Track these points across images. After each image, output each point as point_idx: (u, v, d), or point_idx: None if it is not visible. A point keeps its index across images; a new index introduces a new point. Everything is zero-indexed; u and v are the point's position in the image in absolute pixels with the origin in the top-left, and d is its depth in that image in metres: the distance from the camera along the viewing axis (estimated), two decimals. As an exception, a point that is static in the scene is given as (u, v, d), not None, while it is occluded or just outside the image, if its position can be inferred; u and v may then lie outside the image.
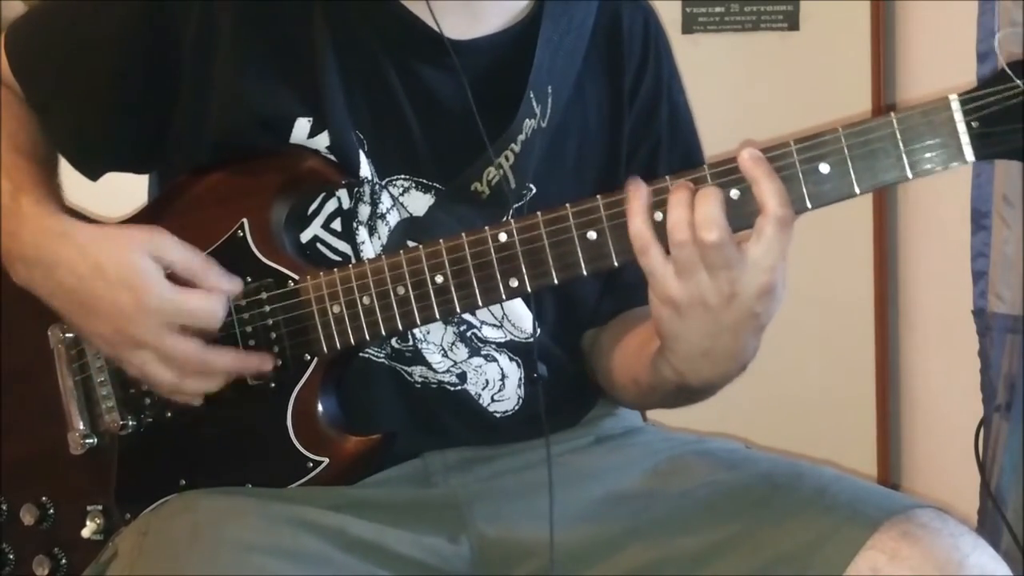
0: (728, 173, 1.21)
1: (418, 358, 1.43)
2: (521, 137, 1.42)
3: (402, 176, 1.42)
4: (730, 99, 2.48)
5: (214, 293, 1.36)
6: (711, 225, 1.18)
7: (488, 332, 1.45)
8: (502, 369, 1.47)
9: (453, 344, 1.44)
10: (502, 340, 1.46)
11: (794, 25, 2.52)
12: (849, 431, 2.58)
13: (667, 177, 1.23)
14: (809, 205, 1.21)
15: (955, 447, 2.46)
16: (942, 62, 2.50)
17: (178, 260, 1.35)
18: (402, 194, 1.42)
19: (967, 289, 2.36)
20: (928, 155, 1.18)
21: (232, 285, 1.37)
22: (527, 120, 1.42)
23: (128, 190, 1.58)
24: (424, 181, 1.43)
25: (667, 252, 1.21)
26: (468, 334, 1.45)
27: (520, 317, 1.46)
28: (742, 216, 1.20)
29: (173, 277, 1.35)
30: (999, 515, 2.27)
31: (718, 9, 2.52)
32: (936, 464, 2.61)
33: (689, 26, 2.51)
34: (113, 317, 1.33)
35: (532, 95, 1.42)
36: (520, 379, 1.48)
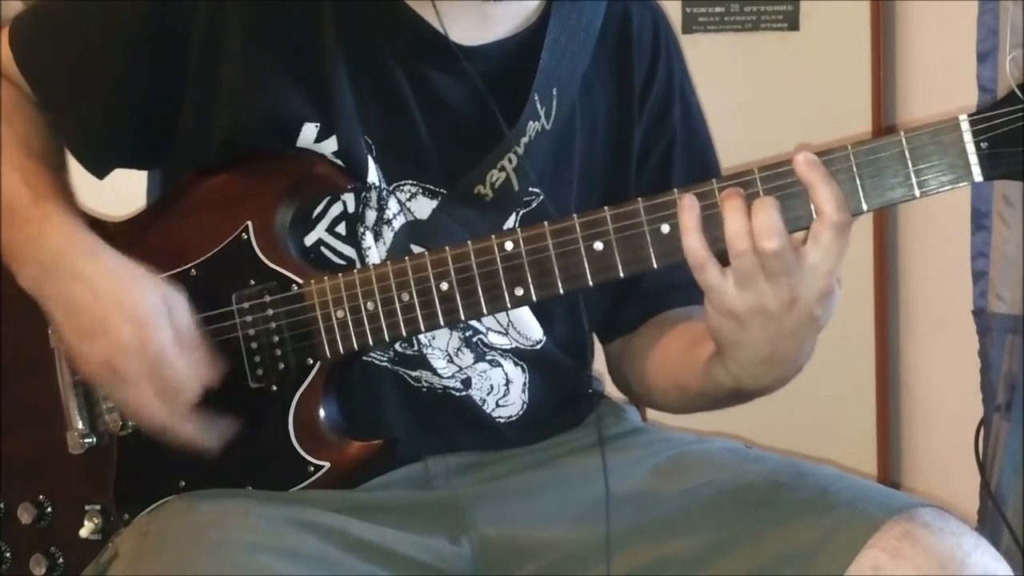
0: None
1: (422, 363, 1.43)
2: (525, 140, 1.42)
3: (410, 182, 1.42)
4: (730, 99, 2.48)
5: (201, 367, 1.35)
6: (772, 233, 1.17)
7: (494, 339, 1.45)
8: (507, 374, 1.46)
9: (459, 350, 1.44)
10: (508, 347, 1.46)
11: (794, 25, 2.52)
12: (849, 431, 2.57)
13: (713, 181, 1.22)
14: None
15: (955, 447, 2.46)
16: (942, 62, 2.49)
17: (183, 326, 1.34)
18: (409, 199, 1.42)
19: (967, 289, 2.36)
20: (936, 174, 1.18)
21: (214, 376, 1.36)
22: (531, 122, 1.42)
23: (128, 189, 1.58)
24: (431, 187, 1.42)
25: (723, 265, 1.21)
26: (474, 340, 1.44)
27: (526, 324, 1.46)
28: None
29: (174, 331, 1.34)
30: (999, 515, 2.27)
31: (718, 9, 2.52)
32: (936, 464, 2.61)
33: (689, 26, 2.51)
34: (108, 345, 1.32)
35: (536, 97, 1.42)
36: (525, 384, 1.48)
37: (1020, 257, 2.28)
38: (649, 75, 1.52)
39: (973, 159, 1.17)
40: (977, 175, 1.17)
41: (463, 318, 1.33)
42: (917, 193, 1.19)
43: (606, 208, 1.26)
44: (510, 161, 1.41)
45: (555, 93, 1.43)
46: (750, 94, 2.54)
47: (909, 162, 1.18)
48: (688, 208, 1.21)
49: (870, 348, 2.58)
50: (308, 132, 1.39)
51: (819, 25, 2.52)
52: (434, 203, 1.42)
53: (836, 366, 2.57)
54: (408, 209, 1.42)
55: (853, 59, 2.53)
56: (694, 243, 1.20)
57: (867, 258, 2.56)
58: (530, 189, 1.44)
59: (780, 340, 1.24)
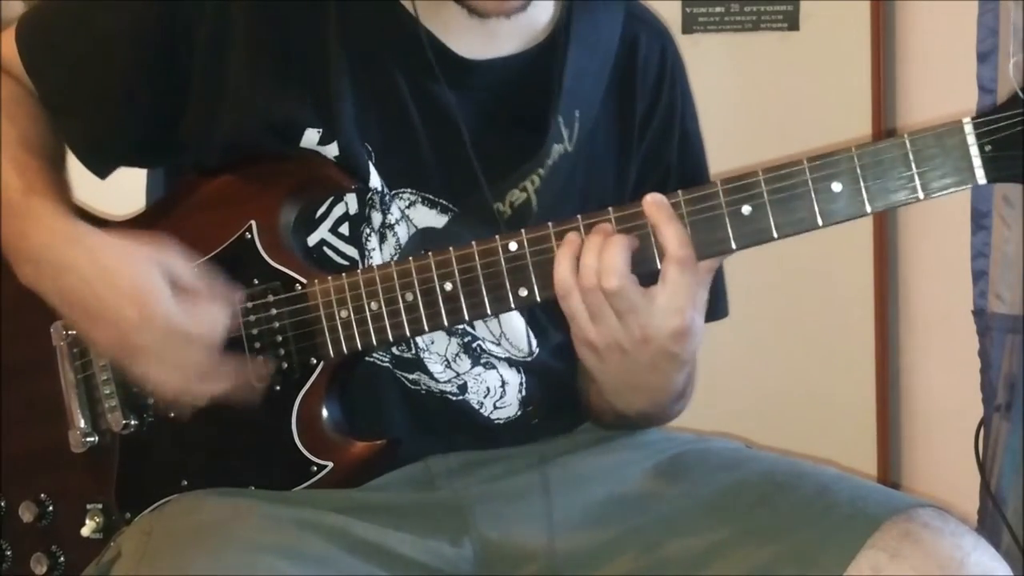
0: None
1: (419, 366, 1.43)
2: (549, 162, 1.42)
3: (409, 190, 1.42)
4: (730, 99, 2.48)
5: (216, 311, 1.35)
6: (611, 273, 1.22)
7: (489, 348, 1.45)
8: (502, 376, 1.46)
9: (457, 355, 1.44)
10: (501, 356, 1.46)
11: (794, 25, 2.52)
12: (849, 431, 2.57)
13: (578, 217, 1.26)
14: (820, 223, 1.22)
15: (955, 447, 2.46)
16: (942, 62, 2.49)
17: (183, 275, 1.34)
18: (408, 207, 1.42)
19: (967, 289, 2.36)
20: (940, 177, 1.19)
21: (234, 299, 1.36)
22: (555, 145, 1.42)
23: (128, 187, 1.58)
24: (430, 197, 1.42)
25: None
26: (473, 345, 1.44)
27: (518, 336, 1.46)
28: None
29: (176, 288, 1.34)
30: (999, 515, 2.27)
31: (718, 9, 2.52)
32: (936, 464, 2.61)
33: (689, 26, 2.51)
34: (117, 327, 1.32)
35: (561, 119, 1.42)
36: (521, 384, 1.48)
37: (1020, 257, 2.28)
38: (651, 105, 1.51)
39: (976, 162, 1.17)
40: (980, 178, 1.18)
41: (467, 318, 1.33)
42: (921, 195, 1.19)
43: (610, 209, 1.27)
44: (532, 182, 1.41)
45: (577, 115, 1.43)
46: (750, 94, 2.53)
47: (913, 164, 1.19)
48: (566, 240, 1.26)
49: (870, 348, 2.58)
50: (310, 137, 1.39)
51: (819, 25, 2.52)
52: (432, 212, 1.42)
53: (836, 366, 2.57)
54: (408, 217, 1.42)
55: (853, 59, 2.53)
56: (563, 271, 1.25)
57: (867, 258, 2.56)
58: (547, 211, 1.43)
59: (639, 373, 1.29)
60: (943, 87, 2.49)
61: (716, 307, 1.48)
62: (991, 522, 2.29)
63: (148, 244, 1.35)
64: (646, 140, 1.51)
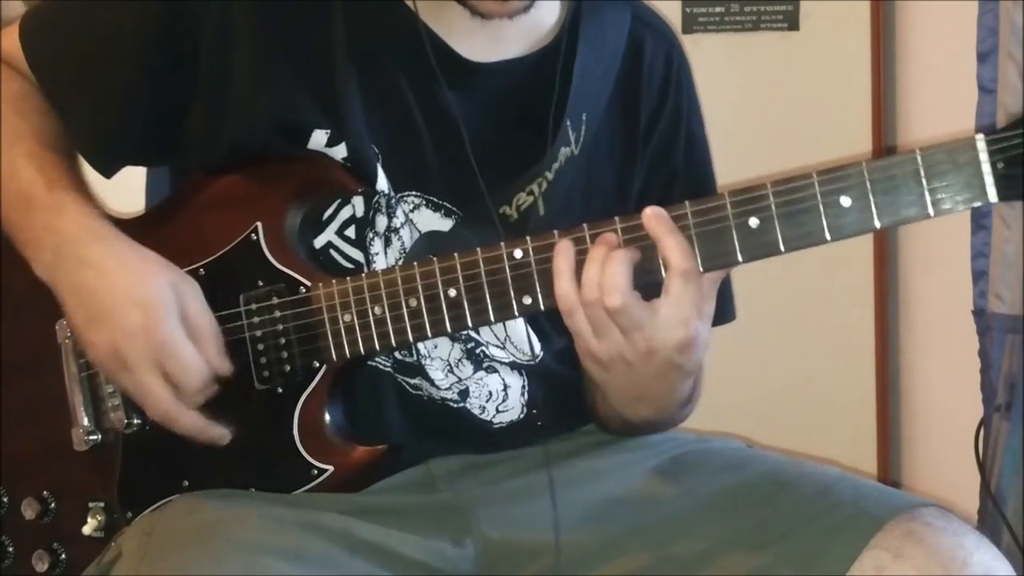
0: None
1: (420, 371, 1.43)
2: (556, 165, 1.42)
3: (414, 193, 1.42)
4: (730, 99, 2.48)
5: (200, 362, 1.35)
6: (613, 291, 1.21)
7: (493, 352, 1.45)
8: (504, 379, 1.46)
9: (459, 361, 1.44)
10: (506, 360, 1.46)
11: (794, 25, 2.52)
12: (849, 431, 2.58)
13: (584, 226, 1.25)
14: (828, 237, 1.20)
15: (955, 447, 2.47)
16: (942, 62, 2.50)
17: (194, 314, 1.35)
18: (412, 211, 1.42)
19: (967, 289, 2.36)
20: (951, 194, 1.17)
21: (223, 366, 1.37)
22: (563, 148, 1.42)
23: (128, 186, 1.58)
24: (435, 200, 1.42)
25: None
26: (477, 351, 1.44)
27: (522, 340, 1.45)
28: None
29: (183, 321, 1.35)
30: (999, 515, 2.27)
31: (718, 9, 2.52)
32: (936, 464, 2.61)
33: (689, 26, 2.51)
34: (114, 331, 1.33)
35: (568, 123, 1.42)
36: (523, 387, 1.48)
37: (1020, 257, 2.28)
38: (656, 112, 1.51)
39: (989, 179, 1.15)
40: (992, 196, 1.15)
41: (470, 325, 1.32)
42: (932, 212, 1.17)
43: (616, 219, 1.26)
44: (539, 186, 1.41)
45: (584, 119, 1.43)
46: (750, 94, 2.54)
47: (924, 180, 1.17)
48: (561, 253, 1.24)
49: (870, 348, 2.58)
50: (318, 138, 1.39)
51: (819, 25, 2.52)
52: (437, 215, 1.42)
53: (836, 366, 2.57)
54: (411, 221, 1.42)
55: (853, 59, 2.53)
56: (565, 287, 1.24)
57: (867, 258, 2.56)
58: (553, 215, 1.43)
59: (645, 383, 1.30)
60: (943, 87, 2.49)
61: (724, 311, 1.48)
62: (991, 522, 2.29)
63: (175, 271, 1.37)
64: (651, 144, 1.50)
